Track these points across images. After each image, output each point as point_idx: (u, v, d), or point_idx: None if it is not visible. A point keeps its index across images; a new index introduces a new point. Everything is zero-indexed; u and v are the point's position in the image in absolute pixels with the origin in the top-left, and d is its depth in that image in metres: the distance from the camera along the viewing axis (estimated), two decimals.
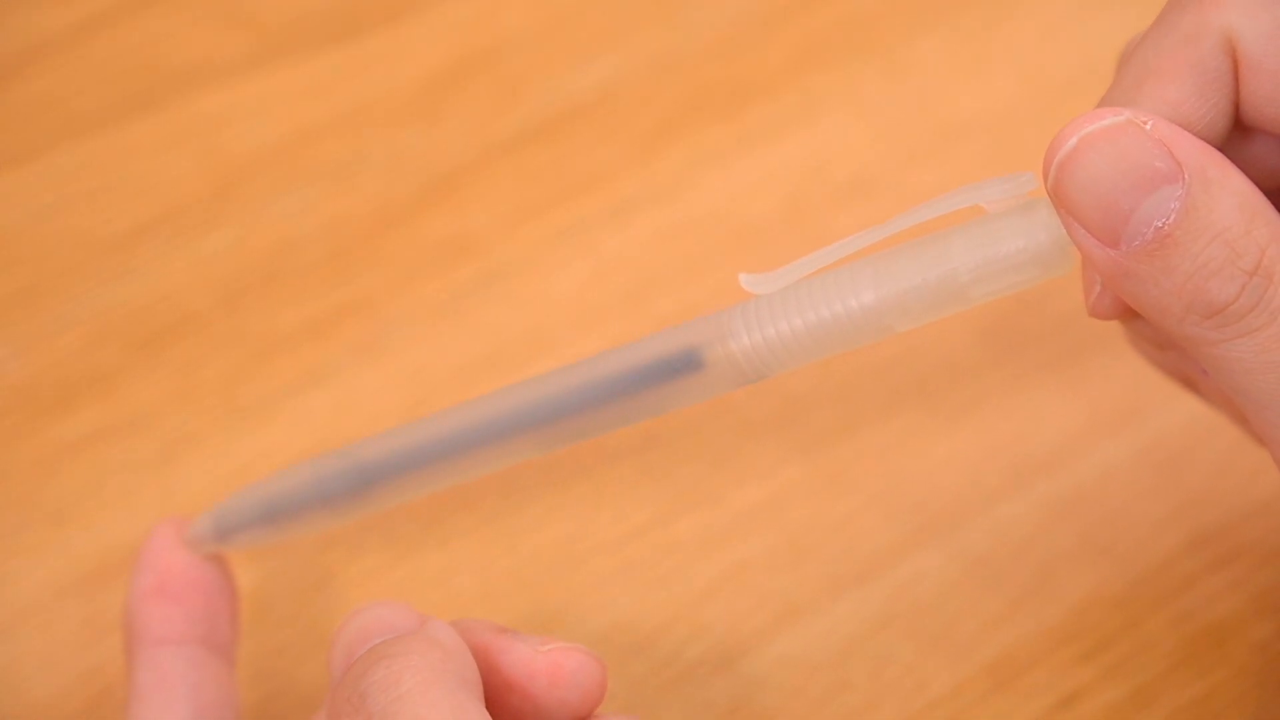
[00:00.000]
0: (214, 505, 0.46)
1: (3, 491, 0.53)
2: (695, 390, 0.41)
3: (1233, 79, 0.39)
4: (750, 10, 0.64)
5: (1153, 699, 0.49)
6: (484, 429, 0.43)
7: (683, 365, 0.41)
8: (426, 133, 0.61)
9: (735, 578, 0.51)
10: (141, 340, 0.56)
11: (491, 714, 0.40)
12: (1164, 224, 0.36)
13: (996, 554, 0.51)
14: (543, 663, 0.41)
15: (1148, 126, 0.36)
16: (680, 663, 0.50)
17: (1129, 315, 0.42)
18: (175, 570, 0.45)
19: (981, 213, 0.39)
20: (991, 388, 0.55)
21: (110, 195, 0.60)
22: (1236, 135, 0.40)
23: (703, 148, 0.61)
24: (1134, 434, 0.53)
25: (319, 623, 0.51)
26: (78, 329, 0.57)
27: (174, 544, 0.46)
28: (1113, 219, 0.36)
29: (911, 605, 0.50)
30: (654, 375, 0.41)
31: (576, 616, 0.51)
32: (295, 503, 0.45)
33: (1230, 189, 0.36)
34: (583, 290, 0.57)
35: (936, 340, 0.56)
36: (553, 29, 0.64)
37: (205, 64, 0.63)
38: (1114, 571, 0.51)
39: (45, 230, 0.59)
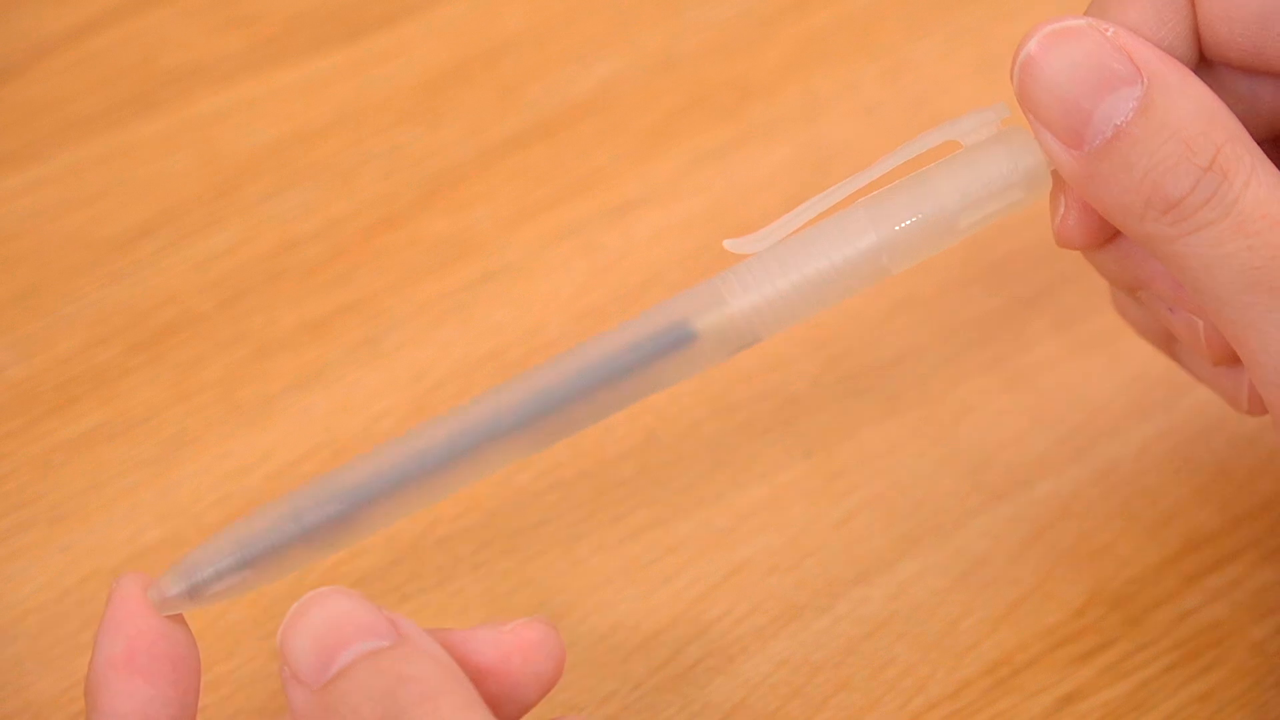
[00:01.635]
0: (181, 559, 0.42)
1: (3, 491, 0.53)
2: (697, 359, 0.41)
3: (1190, 5, 0.40)
4: (750, 10, 0.64)
5: (1152, 699, 0.49)
6: (473, 434, 0.42)
7: (679, 338, 0.41)
8: (426, 133, 0.61)
9: (735, 578, 0.51)
10: (141, 340, 0.56)
11: None
12: (1122, 122, 0.37)
13: (996, 554, 0.51)
14: (511, 640, 0.40)
15: (1109, 33, 0.37)
16: (680, 663, 0.50)
17: (1094, 242, 0.43)
18: (145, 639, 0.41)
19: (959, 147, 0.41)
20: (991, 388, 0.55)
21: (110, 195, 0.60)
22: (1203, 73, 0.40)
23: (703, 148, 0.61)
24: (1133, 434, 0.53)
25: None
26: (78, 329, 0.57)
27: (143, 605, 0.42)
28: (1075, 119, 0.37)
29: (911, 605, 0.50)
30: (652, 348, 0.41)
31: (577, 616, 0.51)
32: (274, 542, 0.41)
33: (1189, 94, 0.37)
34: (583, 290, 0.57)
35: (937, 340, 0.56)
36: (553, 29, 0.64)
37: (205, 64, 0.63)
38: (1114, 571, 0.51)
39: (45, 230, 0.59)
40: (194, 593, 0.42)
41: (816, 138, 0.61)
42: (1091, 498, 0.52)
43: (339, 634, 0.38)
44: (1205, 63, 0.41)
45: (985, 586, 0.51)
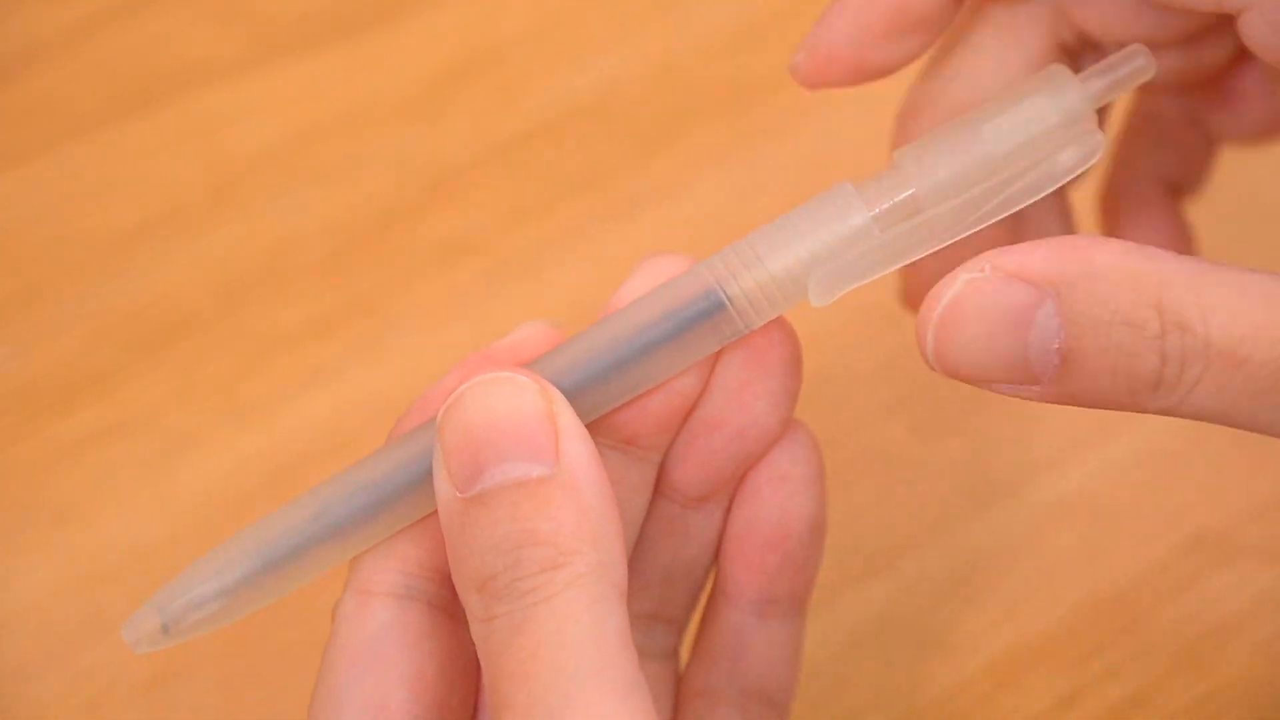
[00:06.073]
0: (163, 588, 0.37)
1: (3, 491, 0.53)
2: (730, 326, 0.39)
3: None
4: (750, 10, 0.64)
5: (1153, 700, 0.49)
6: None
7: (709, 307, 0.39)
8: (426, 133, 0.61)
9: None
10: (141, 340, 0.56)
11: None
12: (1060, 344, 0.34)
13: (996, 554, 0.51)
14: None
15: (986, 271, 0.34)
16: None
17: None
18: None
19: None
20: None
21: (110, 195, 0.60)
22: None
23: (703, 148, 0.61)
24: (1134, 434, 0.53)
25: (319, 622, 0.51)
26: (78, 329, 0.57)
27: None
28: (1014, 367, 0.35)
29: (912, 605, 0.50)
30: (683, 319, 0.39)
31: None
32: (299, 539, 0.37)
33: (1096, 269, 0.34)
34: (583, 290, 0.57)
35: None
36: (553, 29, 0.64)
37: (205, 64, 0.63)
38: (1114, 571, 0.51)
39: (45, 230, 0.59)
40: (169, 627, 0.37)
41: (817, 136, 0.61)
42: (1091, 498, 0.52)
43: (492, 445, 0.34)
44: None
45: (985, 586, 0.51)
